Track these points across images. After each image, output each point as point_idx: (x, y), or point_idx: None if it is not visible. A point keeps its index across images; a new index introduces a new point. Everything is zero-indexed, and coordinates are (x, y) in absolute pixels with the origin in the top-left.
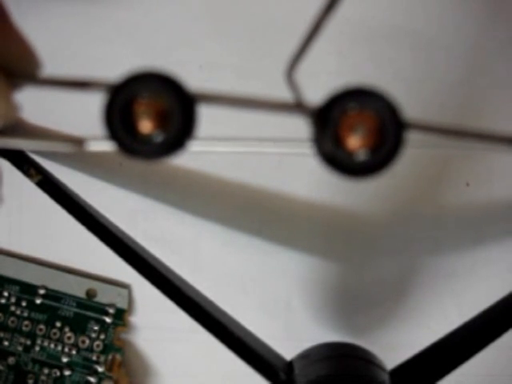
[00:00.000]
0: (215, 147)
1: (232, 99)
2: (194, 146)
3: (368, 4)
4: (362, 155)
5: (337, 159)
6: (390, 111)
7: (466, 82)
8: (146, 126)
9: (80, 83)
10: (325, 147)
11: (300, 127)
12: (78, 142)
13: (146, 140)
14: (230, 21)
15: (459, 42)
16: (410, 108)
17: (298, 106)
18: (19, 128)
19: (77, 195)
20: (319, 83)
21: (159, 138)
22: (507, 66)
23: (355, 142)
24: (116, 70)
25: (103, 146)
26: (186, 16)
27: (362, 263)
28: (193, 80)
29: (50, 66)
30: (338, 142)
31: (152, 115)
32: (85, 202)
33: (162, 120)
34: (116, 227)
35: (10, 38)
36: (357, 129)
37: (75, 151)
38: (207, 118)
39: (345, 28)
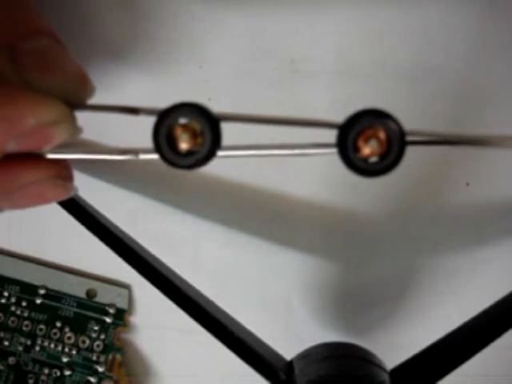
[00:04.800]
0: (241, 153)
1: (252, 118)
2: (221, 154)
3: (368, 4)
4: (373, 160)
5: (354, 163)
6: (394, 127)
7: (466, 82)
8: (184, 144)
9: (131, 109)
10: (346, 153)
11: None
12: (134, 152)
13: (184, 154)
14: (230, 21)
15: (459, 42)
16: (410, 108)
17: (326, 123)
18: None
19: (76, 195)
20: (319, 83)
21: (195, 151)
22: (507, 66)
23: (369, 150)
24: (118, 70)
25: (152, 157)
26: (186, 16)
27: (362, 263)
28: (193, 80)
29: None
30: (356, 149)
31: (188, 135)
32: (85, 201)
33: (196, 138)
34: (116, 227)
35: (69, 69)
36: (370, 140)
37: (129, 160)
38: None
39: (345, 28)
